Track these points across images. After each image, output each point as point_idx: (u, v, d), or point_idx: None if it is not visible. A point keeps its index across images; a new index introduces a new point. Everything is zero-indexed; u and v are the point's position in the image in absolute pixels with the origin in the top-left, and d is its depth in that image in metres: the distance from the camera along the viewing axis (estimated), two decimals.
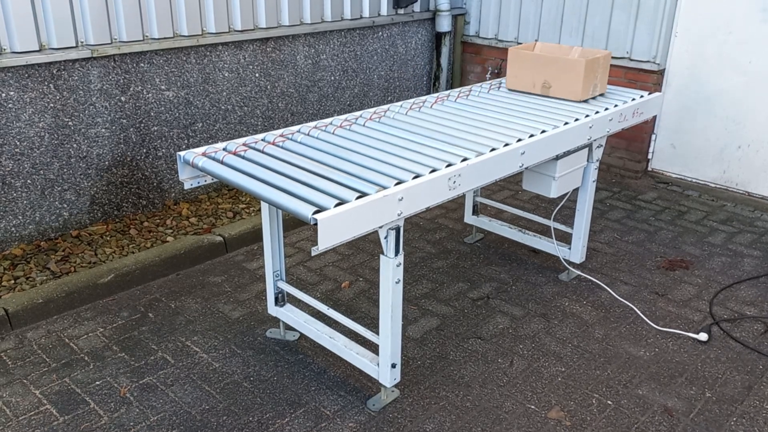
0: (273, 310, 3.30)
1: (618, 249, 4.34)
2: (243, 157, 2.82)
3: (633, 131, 5.43)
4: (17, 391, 2.97)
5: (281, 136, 3.08)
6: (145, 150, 4.43)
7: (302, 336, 3.37)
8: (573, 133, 3.31)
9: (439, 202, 2.67)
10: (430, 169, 2.66)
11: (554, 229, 4.26)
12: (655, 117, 5.39)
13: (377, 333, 2.82)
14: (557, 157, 3.39)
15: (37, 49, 3.78)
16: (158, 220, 4.46)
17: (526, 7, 5.77)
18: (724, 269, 4.10)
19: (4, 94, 3.73)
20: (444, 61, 6.21)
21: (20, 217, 3.97)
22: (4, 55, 3.67)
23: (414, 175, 2.62)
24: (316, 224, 2.23)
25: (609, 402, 2.95)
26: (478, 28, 6.18)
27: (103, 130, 4.19)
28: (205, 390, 2.99)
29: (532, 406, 2.92)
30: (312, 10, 5.06)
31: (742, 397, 2.99)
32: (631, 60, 5.25)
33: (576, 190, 3.82)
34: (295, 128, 3.18)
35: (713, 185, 5.26)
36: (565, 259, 3.99)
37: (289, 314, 3.24)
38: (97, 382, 3.03)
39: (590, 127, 3.43)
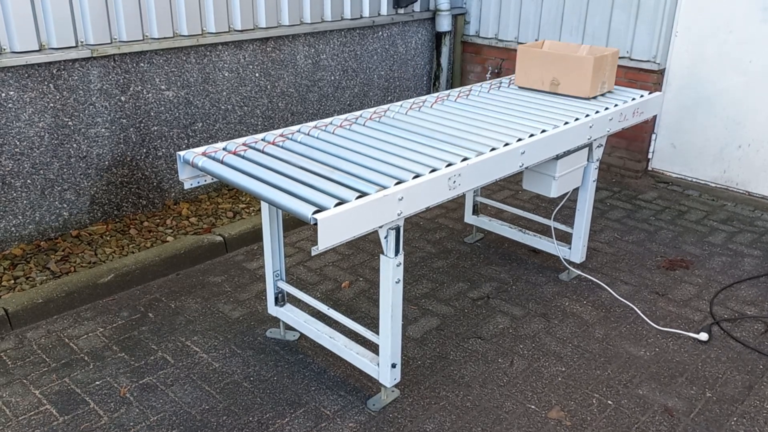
0: (273, 310, 3.30)
1: (618, 249, 4.34)
2: (243, 157, 2.81)
3: (633, 131, 5.43)
4: (17, 391, 2.97)
5: (281, 135, 3.07)
6: (145, 150, 4.43)
7: (302, 336, 3.37)
8: (573, 133, 3.31)
9: (439, 201, 2.67)
10: (430, 169, 2.66)
11: (554, 228, 4.26)
12: (655, 117, 5.39)
13: (377, 333, 2.82)
14: (557, 157, 3.38)
15: (37, 48, 3.78)
16: (158, 220, 4.46)
17: (526, 6, 5.76)
18: (725, 269, 4.10)
19: (3, 94, 3.72)
20: (444, 60, 6.21)
21: (20, 217, 3.97)
22: (3, 54, 3.67)
23: (414, 174, 2.62)
24: (316, 224, 2.23)
25: (609, 402, 2.95)
26: (478, 28, 6.17)
27: (103, 129, 4.19)
28: (205, 390, 2.99)
29: (533, 406, 2.92)
30: (312, 9, 5.05)
31: (742, 397, 2.99)
32: (632, 60, 5.25)
33: (576, 189, 3.82)
34: (295, 128, 3.18)
35: (713, 185, 5.26)
36: (565, 259, 3.99)
37: (289, 314, 3.23)
38: (97, 382, 3.03)
39: (590, 127, 3.43)
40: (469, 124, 3.27)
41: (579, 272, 4.01)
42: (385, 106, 3.54)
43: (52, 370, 3.12)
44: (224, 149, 2.88)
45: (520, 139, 3.06)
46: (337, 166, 2.72)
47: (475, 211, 4.36)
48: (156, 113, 4.41)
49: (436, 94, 3.77)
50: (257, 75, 4.89)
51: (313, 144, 2.98)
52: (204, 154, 2.81)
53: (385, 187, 2.50)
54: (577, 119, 3.40)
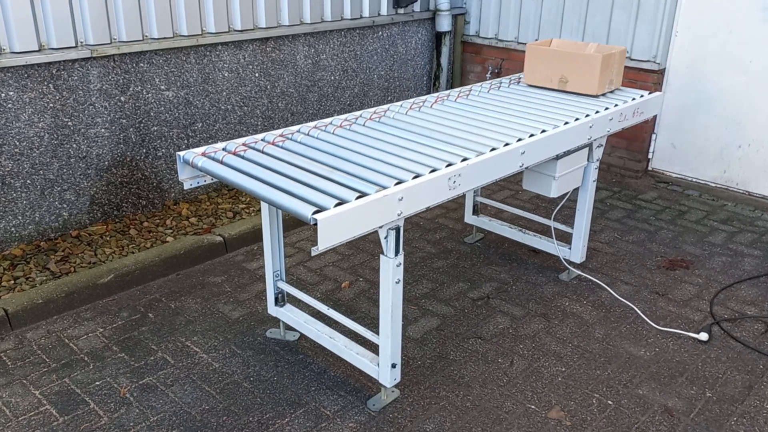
0: (273, 310, 3.30)
1: (618, 249, 4.34)
2: (243, 157, 2.81)
3: (633, 131, 5.43)
4: (17, 392, 2.97)
5: (281, 136, 3.07)
6: (144, 150, 4.43)
7: (302, 336, 3.37)
8: (573, 133, 3.31)
9: (439, 202, 2.67)
10: (430, 169, 2.66)
11: (554, 228, 4.26)
12: (655, 116, 5.38)
13: (377, 333, 2.82)
14: (557, 157, 3.38)
15: (37, 49, 3.78)
16: (158, 220, 4.46)
17: (526, 6, 5.76)
18: (725, 269, 4.10)
19: (3, 94, 3.72)
20: (444, 60, 6.20)
21: (20, 218, 3.97)
22: (3, 55, 3.67)
23: (414, 174, 2.61)
24: (315, 224, 2.23)
25: (609, 402, 2.95)
26: (478, 28, 6.17)
27: (103, 130, 4.19)
28: (205, 390, 2.99)
29: (533, 406, 2.92)
30: (312, 9, 5.05)
31: (742, 397, 2.99)
32: (632, 59, 5.25)
33: (576, 189, 3.82)
34: (294, 128, 3.18)
35: (713, 185, 5.25)
36: (565, 259, 3.98)
37: (289, 314, 3.23)
38: (97, 383, 3.03)
39: (590, 127, 3.43)
40: (469, 124, 3.27)
41: (579, 272, 4.01)
42: (385, 106, 3.53)
43: (52, 370, 3.11)
44: (224, 149, 2.88)
45: (520, 139, 3.06)
46: (337, 166, 2.72)
47: (475, 211, 4.35)
48: (156, 113, 4.41)
49: (436, 94, 3.77)
50: (257, 75, 4.89)
51: (313, 144, 2.98)
52: (204, 154, 2.81)
53: (385, 187, 2.50)
54: (577, 119, 3.40)
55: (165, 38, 4.29)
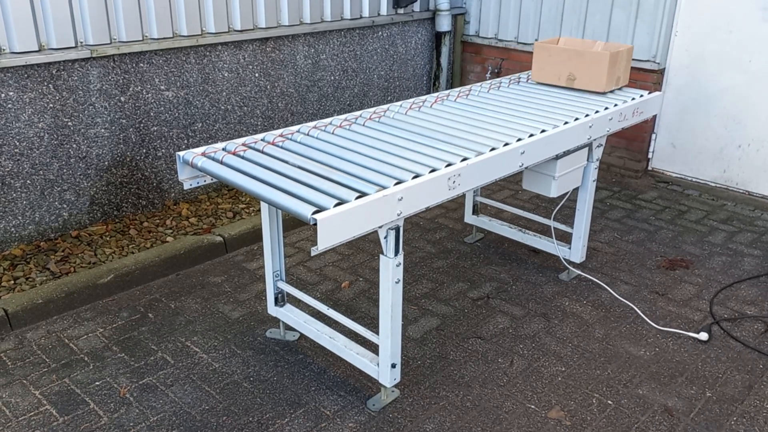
0: (273, 310, 3.30)
1: (618, 248, 4.34)
2: (242, 157, 2.81)
3: (633, 130, 5.43)
4: (17, 392, 2.97)
5: (281, 136, 3.07)
6: (144, 150, 4.43)
7: (302, 336, 3.37)
8: (573, 133, 3.31)
9: (438, 201, 2.67)
10: (430, 169, 2.66)
11: (554, 228, 4.26)
12: (655, 116, 5.38)
13: (377, 333, 2.82)
14: (557, 157, 3.38)
15: (37, 49, 3.78)
16: (158, 221, 4.46)
17: (525, 6, 5.76)
18: (725, 269, 4.10)
19: (3, 95, 3.72)
20: (444, 60, 6.20)
21: (20, 218, 3.97)
22: (3, 55, 3.67)
23: (414, 174, 2.61)
24: (315, 224, 2.23)
25: (609, 402, 2.95)
26: (478, 28, 6.17)
27: (103, 130, 4.19)
28: (205, 390, 2.99)
29: (533, 406, 2.92)
30: (312, 9, 5.05)
31: (742, 397, 2.99)
32: (632, 59, 5.24)
33: (576, 189, 3.82)
34: (294, 128, 3.18)
35: (713, 184, 5.26)
36: (565, 259, 3.99)
37: (289, 314, 3.23)
38: (97, 383, 3.03)
39: (590, 127, 3.43)
40: (468, 124, 3.27)
41: (579, 272, 4.01)
42: (385, 106, 3.54)
43: (52, 370, 3.12)
44: (224, 149, 2.88)
45: (519, 139, 3.06)
46: (337, 167, 2.72)
47: (475, 211, 4.35)
48: (156, 113, 4.41)
49: (435, 94, 3.77)
50: (257, 75, 4.89)
51: (313, 144, 2.98)
52: (203, 154, 2.81)
53: (384, 187, 2.50)
54: (577, 119, 3.40)
55: (165, 38, 4.30)
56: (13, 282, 3.65)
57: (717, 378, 3.11)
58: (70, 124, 4.03)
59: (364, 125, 3.25)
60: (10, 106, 3.76)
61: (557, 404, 2.93)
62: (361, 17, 5.43)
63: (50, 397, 2.93)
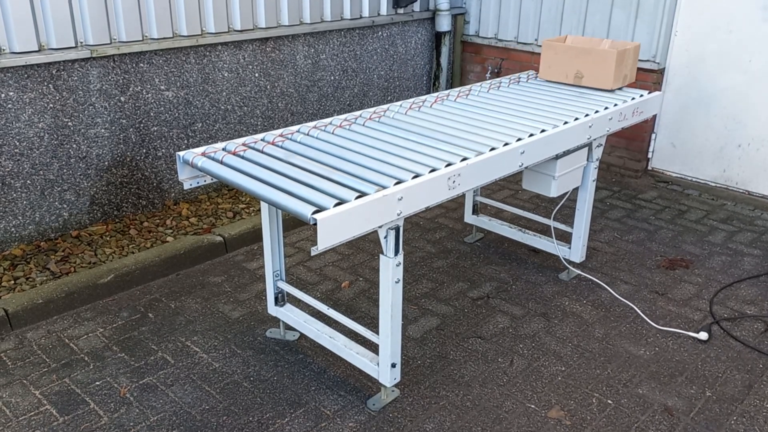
0: (273, 310, 3.30)
1: (618, 248, 4.34)
2: (242, 157, 2.81)
3: (633, 130, 5.43)
4: (17, 392, 2.97)
5: (281, 136, 3.07)
6: (144, 150, 4.43)
7: (302, 336, 3.37)
8: (572, 133, 3.31)
9: (438, 201, 2.67)
10: (430, 169, 2.66)
11: (554, 228, 4.26)
12: (655, 116, 5.39)
13: (377, 333, 2.82)
14: (557, 157, 3.39)
15: (37, 49, 3.78)
16: (158, 220, 4.46)
17: (525, 6, 5.76)
18: (725, 268, 4.10)
19: (3, 95, 3.72)
20: (444, 60, 6.21)
21: (20, 218, 3.97)
22: (3, 55, 3.67)
23: (413, 174, 2.62)
24: (315, 224, 2.23)
25: (609, 401, 2.95)
26: (478, 28, 6.17)
27: (103, 130, 4.19)
28: (205, 390, 2.99)
29: (532, 406, 2.92)
30: (311, 9, 5.05)
31: (742, 396, 2.99)
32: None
33: (576, 189, 3.82)
34: (294, 128, 3.18)
35: (713, 184, 5.26)
36: (565, 259, 3.99)
37: (289, 314, 3.23)
38: (97, 383, 3.03)
39: (590, 127, 3.43)
40: (468, 124, 3.27)
41: (579, 272, 4.01)
42: (385, 106, 3.54)
43: (52, 370, 3.12)
44: (224, 149, 2.88)
45: (519, 139, 3.06)
46: (337, 166, 2.72)
47: (475, 210, 4.36)
48: (156, 113, 4.41)
49: (435, 94, 3.77)
50: (257, 75, 4.89)
51: (313, 144, 2.98)
52: (203, 154, 2.81)
53: (384, 187, 2.50)
54: (576, 119, 3.40)
55: (165, 38, 4.30)
56: (13, 282, 3.65)
57: (717, 377, 3.11)
58: (70, 124, 4.03)
59: (364, 125, 3.25)
60: (10, 106, 3.76)
61: (557, 404, 2.93)
62: (361, 17, 5.43)
63: (50, 397, 2.94)
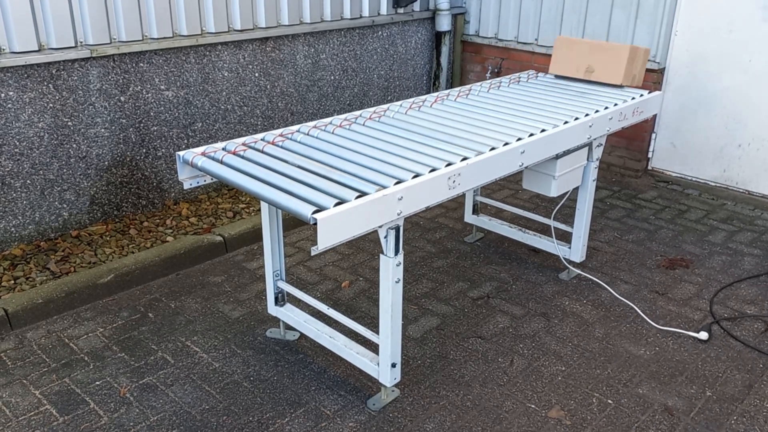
0: (273, 309, 3.30)
1: (618, 248, 4.34)
2: (242, 157, 2.81)
3: (633, 130, 5.43)
4: (17, 392, 2.97)
5: (281, 135, 3.07)
6: (144, 150, 4.43)
7: (302, 336, 3.37)
8: (573, 132, 3.31)
9: (438, 201, 2.67)
10: (430, 169, 2.66)
11: (554, 228, 4.26)
12: (655, 116, 5.38)
13: (377, 332, 2.82)
14: (557, 156, 3.38)
15: (37, 49, 3.78)
16: (158, 220, 4.46)
17: (525, 5, 5.76)
18: (725, 268, 4.10)
19: (3, 95, 3.72)
20: (444, 60, 6.20)
21: (20, 218, 3.97)
22: (3, 55, 3.67)
23: (414, 174, 2.61)
24: (315, 224, 2.23)
25: (609, 401, 2.95)
26: (478, 27, 6.17)
27: (103, 130, 4.19)
28: (205, 390, 2.99)
29: (533, 406, 2.92)
30: (311, 9, 5.05)
31: (742, 396, 2.99)
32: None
33: (576, 189, 3.82)
34: (294, 128, 3.18)
35: (713, 184, 5.25)
36: (565, 258, 3.99)
37: (289, 314, 3.23)
38: (97, 382, 3.03)
39: (590, 126, 3.43)
40: (468, 124, 3.27)
41: (579, 271, 4.01)
42: (385, 106, 3.54)
43: (52, 370, 3.12)
44: (224, 149, 2.88)
45: (519, 139, 3.06)
46: (337, 166, 2.72)
47: (475, 210, 4.35)
48: (155, 113, 4.41)
49: (435, 94, 3.77)
50: (257, 75, 4.89)
51: (313, 144, 2.98)
52: (203, 154, 2.81)
53: (384, 187, 2.50)
54: (576, 119, 3.40)
55: (165, 38, 4.30)
56: (13, 282, 3.65)
57: (717, 377, 3.11)
58: (70, 123, 4.03)
59: (364, 125, 3.25)
60: (10, 106, 3.76)
61: (557, 403, 2.93)
62: (361, 17, 5.43)
63: (50, 397, 2.93)
